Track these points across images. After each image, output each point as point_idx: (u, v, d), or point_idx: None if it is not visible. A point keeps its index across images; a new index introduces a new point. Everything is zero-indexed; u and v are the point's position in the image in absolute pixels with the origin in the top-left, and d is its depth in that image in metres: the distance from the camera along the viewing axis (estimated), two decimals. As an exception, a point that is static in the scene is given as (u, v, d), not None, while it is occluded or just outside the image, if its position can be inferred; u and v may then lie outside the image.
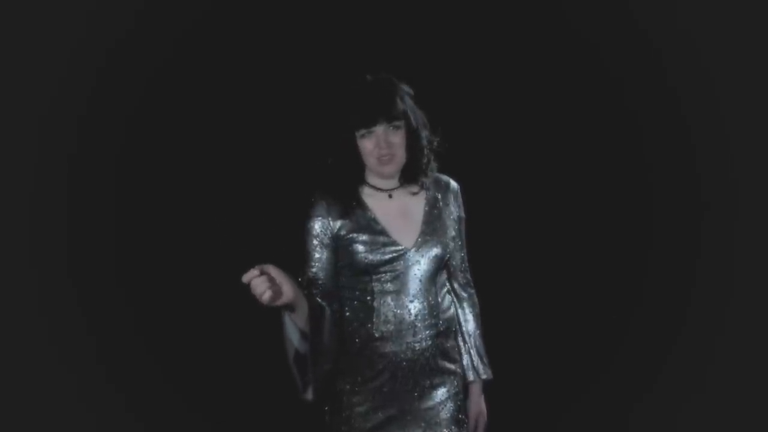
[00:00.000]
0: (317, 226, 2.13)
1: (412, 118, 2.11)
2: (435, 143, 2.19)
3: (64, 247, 2.82)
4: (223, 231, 3.06)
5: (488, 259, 2.47)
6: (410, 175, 2.17)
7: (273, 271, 1.79)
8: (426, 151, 2.16)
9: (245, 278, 1.75)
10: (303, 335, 1.96)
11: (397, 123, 2.07)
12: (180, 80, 2.96)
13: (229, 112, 3.05)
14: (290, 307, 1.90)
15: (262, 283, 1.76)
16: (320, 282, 2.12)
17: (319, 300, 2.06)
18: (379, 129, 2.06)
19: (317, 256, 2.13)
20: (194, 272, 3.02)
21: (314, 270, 2.13)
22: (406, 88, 2.14)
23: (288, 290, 1.83)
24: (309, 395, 2.03)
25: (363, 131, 2.07)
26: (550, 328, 3.23)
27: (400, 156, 2.11)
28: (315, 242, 2.13)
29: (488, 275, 2.47)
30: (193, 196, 3.01)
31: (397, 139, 2.08)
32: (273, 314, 3.14)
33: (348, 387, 2.15)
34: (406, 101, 2.11)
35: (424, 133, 2.15)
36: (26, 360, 2.74)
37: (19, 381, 2.72)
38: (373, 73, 2.13)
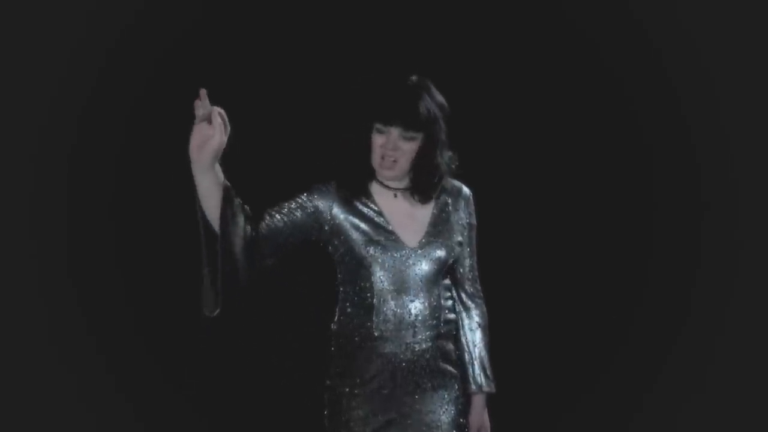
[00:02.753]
0: (316, 192, 2.11)
1: (431, 135, 2.07)
2: (454, 166, 2.17)
3: (64, 247, 2.82)
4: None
5: (487, 261, 2.45)
6: (416, 189, 2.15)
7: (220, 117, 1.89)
8: (437, 172, 2.13)
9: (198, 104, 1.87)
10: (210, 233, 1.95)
11: (412, 134, 2.04)
12: (180, 80, 2.95)
13: (229, 111, 3.04)
14: (203, 185, 1.92)
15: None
16: (273, 221, 2.06)
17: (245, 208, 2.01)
18: (394, 131, 2.03)
19: (289, 207, 2.08)
20: (194, 272, 3.01)
21: (280, 212, 2.07)
22: (440, 99, 2.08)
23: (217, 140, 1.88)
24: (209, 311, 1.99)
25: (379, 126, 2.04)
26: (550, 330, 3.22)
27: (403, 165, 2.07)
28: (302, 198, 2.10)
29: (487, 276, 2.46)
30: (194, 196, 3.00)
31: (407, 148, 2.05)
32: (274, 313, 3.14)
33: (347, 390, 2.12)
34: (434, 115, 2.06)
35: (440, 153, 2.11)
36: (26, 360, 2.74)
37: (19, 381, 2.72)
38: (415, 75, 2.09)
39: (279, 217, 2.07)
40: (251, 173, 3.02)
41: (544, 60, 3.14)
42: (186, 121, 2.97)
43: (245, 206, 2.01)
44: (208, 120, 1.89)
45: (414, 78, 2.08)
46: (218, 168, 1.94)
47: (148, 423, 2.93)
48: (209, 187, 1.92)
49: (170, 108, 2.95)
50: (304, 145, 2.98)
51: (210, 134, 1.88)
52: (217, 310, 1.99)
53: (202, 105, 1.89)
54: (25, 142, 2.73)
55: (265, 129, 3.06)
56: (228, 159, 2.98)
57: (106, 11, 2.77)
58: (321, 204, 2.11)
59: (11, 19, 2.68)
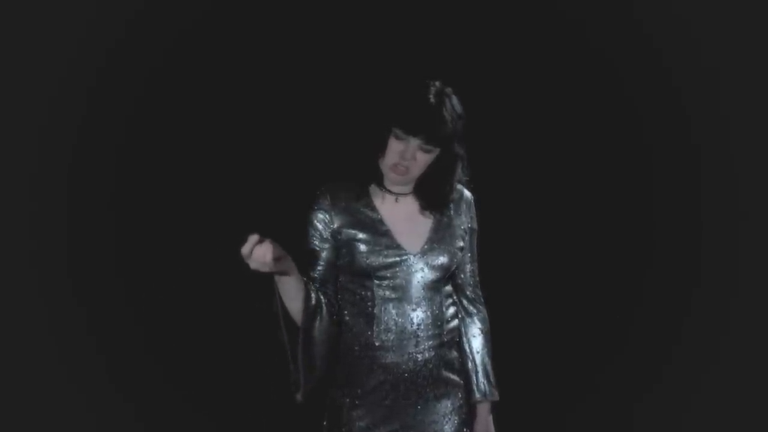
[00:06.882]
0: (318, 217, 2.10)
1: (450, 151, 2.06)
2: (466, 179, 2.16)
3: (64, 247, 2.82)
4: (224, 231, 3.05)
5: (488, 266, 2.45)
6: (426, 200, 2.13)
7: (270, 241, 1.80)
8: (450, 187, 2.12)
9: (246, 249, 1.75)
10: (291, 323, 1.96)
11: (432, 147, 2.00)
12: (180, 80, 2.95)
13: (230, 110, 3.05)
14: (285, 289, 1.91)
15: (265, 247, 1.76)
16: (320, 281, 2.10)
17: (321, 297, 2.03)
18: (414, 141, 1.99)
19: (317, 251, 2.10)
20: (195, 272, 3.01)
21: (318, 269, 2.10)
22: (460, 109, 2.04)
23: (287, 259, 1.84)
24: (298, 396, 2.00)
25: (400, 133, 1.99)
26: (552, 335, 3.22)
27: (415, 173, 2.04)
28: (315, 235, 2.10)
29: (488, 281, 2.45)
30: (194, 196, 3.01)
31: (423, 159, 2.02)
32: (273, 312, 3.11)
33: (348, 400, 2.10)
34: (457, 131, 2.03)
35: (456, 169, 2.10)
36: (26, 360, 2.74)
37: (19, 381, 2.72)
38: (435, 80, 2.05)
39: (322, 266, 2.10)
40: (259, 170, 3.04)
41: (544, 63, 3.14)
42: (185, 121, 2.99)
43: (317, 291, 2.03)
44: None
45: (437, 85, 2.02)
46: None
47: (148, 423, 2.93)
48: (292, 288, 1.94)
49: (171, 107, 2.96)
50: (313, 139, 2.98)
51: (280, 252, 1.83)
52: (304, 393, 2.02)
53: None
54: (25, 142, 2.72)
55: (268, 127, 3.06)
56: (234, 158, 3.01)
57: (106, 11, 2.77)
58: (325, 218, 2.10)
59: (11, 19, 2.68)
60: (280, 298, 1.93)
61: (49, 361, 2.77)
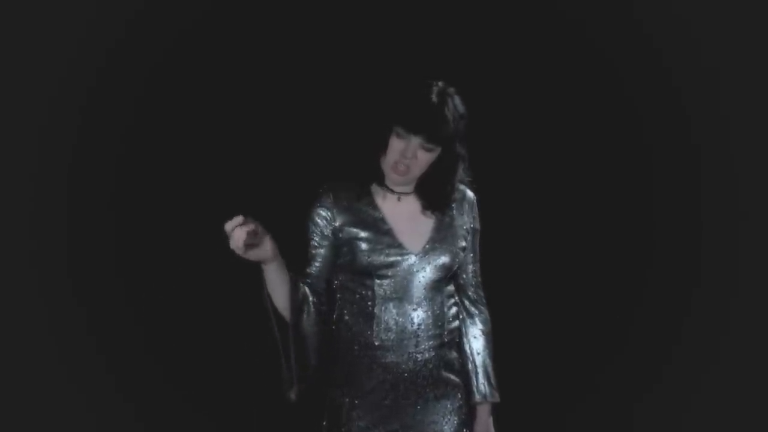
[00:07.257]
0: (320, 214, 2.09)
1: (452, 151, 2.05)
2: (468, 180, 2.16)
3: (64, 247, 2.82)
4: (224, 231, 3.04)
5: (489, 263, 2.45)
6: (427, 200, 2.12)
7: (257, 226, 1.79)
8: (451, 187, 2.12)
9: (228, 226, 1.75)
10: (281, 319, 1.95)
11: (433, 146, 2.00)
12: (181, 80, 2.95)
13: (231, 110, 3.05)
14: (269, 278, 1.91)
15: (241, 232, 1.74)
16: (314, 277, 2.10)
17: (306, 290, 2.03)
18: (415, 140, 1.98)
19: (316, 248, 2.10)
20: (195, 272, 3.01)
21: (315, 265, 2.10)
22: (463, 109, 2.03)
23: (269, 247, 1.83)
24: (291, 395, 1.99)
25: (401, 131, 1.98)
26: (553, 335, 3.22)
27: (416, 172, 2.04)
28: (316, 232, 2.10)
29: (488, 278, 2.45)
30: (194, 196, 3.01)
31: (424, 158, 2.01)
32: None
33: (347, 400, 2.10)
34: (459, 131, 2.03)
35: (457, 169, 2.10)
36: (26, 360, 2.73)
37: (19, 381, 2.72)
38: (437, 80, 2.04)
39: (318, 263, 2.10)
40: (260, 170, 3.05)
41: (545, 63, 3.14)
42: (185, 121, 2.99)
43: (304, 287, 2.03)
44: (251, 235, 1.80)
45: (440, 84, 2.02)
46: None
47: (148, 423, 2.93)
48: (276, 278, 1.92)
49: (171, 108, 2.96)
50: (315, 138, 2.98)
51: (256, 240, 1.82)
52: (298, 391, 2.00)
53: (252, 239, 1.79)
54: (26, 142, 2.72)
55: (270, 127, 3.06)
56: (235, 157, 3.01)
57: (106, 11, 2.77)
58: (327, 216, 2.09)
59: (11, 19, 2.68)
60: (267, 289, 1.93)
61: (49, 361, 2.77)
